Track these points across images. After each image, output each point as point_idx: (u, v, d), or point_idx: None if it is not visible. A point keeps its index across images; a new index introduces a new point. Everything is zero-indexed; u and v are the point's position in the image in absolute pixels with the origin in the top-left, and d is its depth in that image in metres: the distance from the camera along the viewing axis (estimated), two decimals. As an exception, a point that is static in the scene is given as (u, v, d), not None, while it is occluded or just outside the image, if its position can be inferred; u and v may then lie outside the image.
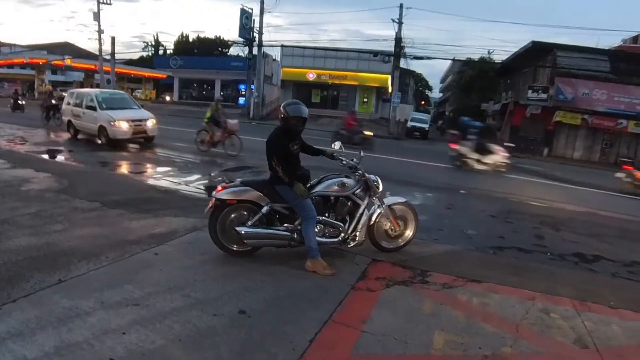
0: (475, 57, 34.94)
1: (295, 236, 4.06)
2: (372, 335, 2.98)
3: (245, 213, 4.11)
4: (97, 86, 32.28)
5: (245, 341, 2.79)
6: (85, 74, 44.57)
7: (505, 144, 14.69)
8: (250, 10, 29.88)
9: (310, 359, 2.67)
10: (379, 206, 4.46)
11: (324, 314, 3.19)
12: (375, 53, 29.95)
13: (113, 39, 32.34)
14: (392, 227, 4.55)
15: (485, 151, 12.67)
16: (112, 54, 31.95)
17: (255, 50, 30.59)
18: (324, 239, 4.16)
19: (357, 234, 4.26)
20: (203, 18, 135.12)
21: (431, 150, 19.47)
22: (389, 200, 4.63)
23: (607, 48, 26.45)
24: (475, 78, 33.77)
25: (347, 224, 4.27)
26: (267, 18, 39.59)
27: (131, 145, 12.05)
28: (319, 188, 4.19)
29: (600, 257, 5.48)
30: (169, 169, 9.54)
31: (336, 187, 4.23)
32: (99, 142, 11.78)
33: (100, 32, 30.00)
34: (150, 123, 12.27)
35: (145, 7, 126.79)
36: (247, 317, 3.09)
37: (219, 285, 3.56)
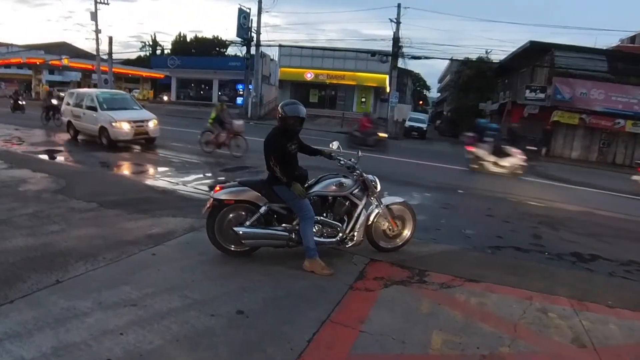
0: (473, 56, 34.96)
1: (293, 236, 4.06)
2: (370, 335, 2.98)
3: (243, 213, 4.11)
4: (95, 86, 32.19)
5: (243, 341, 2.79)
6: (83, 74, 44.50)
7: (527, 147, 14.38)
8: (248, 10, 29.87)
9: (309, 359, 2.66)
10: (377, 206, 4.46)
11: (322, 314, 3.19)
12: (373, 53, 29.96)
13: (110, 38, 32.40)
14: (390, 227, 4.56)
15: (502, 154, 12.47)
16: (110, 53, 31.91)
17: (253, 50, 30.59)
18: (322, 239, 4.16)
19: (355, 233, 4.26)
20: (201, 18, 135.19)
21: (429, 150, 19.51)
22: (386, 200, 4.63)
23: (604, 48, 26.53)
24: (473, 78, 33.75)
25: (345, 224, 4.27)
26: (265, 18, 39.57)
27: (132, 146, 11.96)
28: (317, 188, 4.19)
29: (598, 257, 5.50)
30: (166, 169, 9.53)
31: (334, 187, 4.23)
32: (101, 143, 11.59)
33: (97, 31, 29.96)
34: (152, 124, 12.11)
35: (143, 7, 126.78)
36: (245, 317, 3.09)
37: (217, 285, 3.56)
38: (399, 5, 27.24)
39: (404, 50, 27.76)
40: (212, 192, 4.14)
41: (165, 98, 45.51)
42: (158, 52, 57.72)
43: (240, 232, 3.95)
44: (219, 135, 11.28)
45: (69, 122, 12.98)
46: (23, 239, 4.24)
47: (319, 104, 37.17)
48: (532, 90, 23.95)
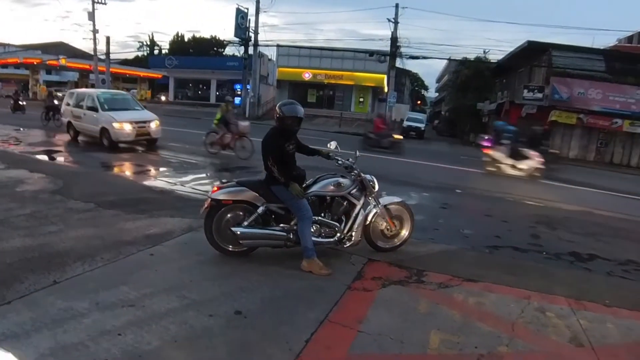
0: (471, 56, 35.11)
1: (291, 236, 4.05)
2: (369, 335, 2.98)
3: (241, 213, 4.10)
4: (92, 86, 32.09)
5: (241, 342, 2.79)
6: (80, 74, 44.38)
7: (550, 150, 14.12)
8: (245, 10, 29.87)
9: (307, 359, 2.66)
10: (375, 206, 4.46)
11: (320, 314, 3.19)
12: (371, 53, 30.01)
13: (108, 38, 32.22)
14: (388, 227, 4.56)
15: (520, 156, 12.24)
16: (107, 53, 31.79)
17: (251, 50, 30.59)
18: (320, 239, 4.16)
19: (353, 233, 4.26)
20: (198, 18, 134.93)
21: (427, 150, 19.53)
22: (384, 200, 4.64)
23: (602, 48, 26.62)
24: (471, 78, 33.79)
25: (343, 224, 4.27)
26: (262, 18, 39.59)
27: (131, 146, 11.88)
28: (314, 188, 4.19)
29: (596, 256, 5.50)
30: (165, 169, 9.51)
31: (332, 187, 4.23)
32: (102, 144, 11.39)
33: (95, 31, 29.90)
34: (154, 125, 11.87)
35: (141, 7, 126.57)
36: (243, 317, 3.09)
37: (215, 285, 3.55)
38: (396, 5, 27.32)
39: (402, 50, 27.87)
40: (210, 192, 4.14)
41: (163, 98, 45.45)
42: (156, 52, 57.71)
43: (238, 232, 3.95)
44: (224, 137, 11.07)
45: (69, 122, 12.78)
46: (20, 239, 4.23)
47: (316, 104, 37.16)
48: (529, 90, 24.02)
